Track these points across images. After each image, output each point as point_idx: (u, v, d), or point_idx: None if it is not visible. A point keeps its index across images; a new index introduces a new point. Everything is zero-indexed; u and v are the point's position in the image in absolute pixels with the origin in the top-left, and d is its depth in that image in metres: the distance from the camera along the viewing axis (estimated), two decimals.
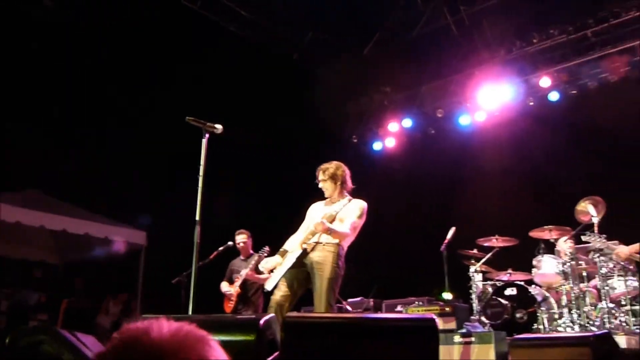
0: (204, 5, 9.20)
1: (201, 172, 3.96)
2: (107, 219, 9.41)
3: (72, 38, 8.44)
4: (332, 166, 4.97)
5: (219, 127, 4.12)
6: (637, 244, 5.22)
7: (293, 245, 4.78)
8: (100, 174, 9.20)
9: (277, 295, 4.56)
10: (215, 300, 7.12)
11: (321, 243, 4.63)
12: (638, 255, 5.51)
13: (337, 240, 4.65)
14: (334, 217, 4.63)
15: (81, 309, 9.93)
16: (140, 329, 1.11)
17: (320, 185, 4.98)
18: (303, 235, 4.77)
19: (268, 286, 4.71)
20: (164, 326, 1.12)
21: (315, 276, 4.52)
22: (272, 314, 2.75)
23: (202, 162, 3.98)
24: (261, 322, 2.61)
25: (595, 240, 5.69)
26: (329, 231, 4.55)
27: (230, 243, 6.93)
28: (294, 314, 2.74)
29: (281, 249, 4.81)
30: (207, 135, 4.04)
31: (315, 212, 4.98)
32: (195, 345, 1.12)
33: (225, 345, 2.62)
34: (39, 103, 8.79)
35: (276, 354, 2.62)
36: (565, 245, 6.52)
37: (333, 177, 4.91)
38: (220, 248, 6.86)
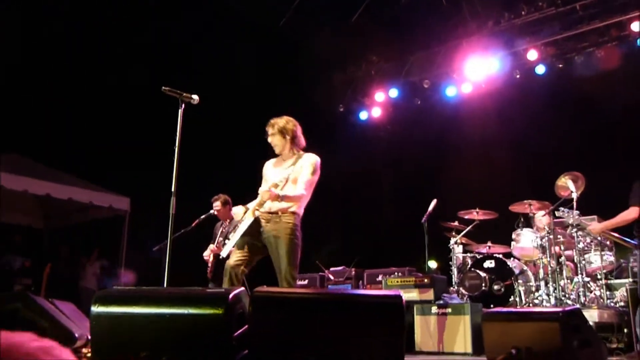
0: None
1: (177, 143, 3.90)
2: (91, 184, 9.38)
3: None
4: (282, 120, 4.65)
5: (195, 97, 4.05)
6: (610, 220, 5.24)
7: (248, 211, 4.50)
8: (86, 139, 9.14)
9: (231, 260, 4.35)
10: (200, 267, 7.12)
11: (276, 214, 4.37)
12: (610, 232, 5.54)
13: (292, 208, 4.39)
14: (277, 184, 4.34)
15: (65, 274, 9.98)
16: None
17: (269, 139, 4.66)
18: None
19: (223, 253, 4.53)
20: None
21: (273, 252, 4.33)
22: (241, 288, 2.77)
23: (178, 132, 3.93)
24: (230, 296, 2.63)
25: (568, 217, 5.75)
26: (280, 198, 4.29)
27: (212, 211, 6.90)
28: (263, 288, 2.76)
29: (245, 206, 4.54)
30: (183, 106, 3.99)
31: (268, 172, 4.72)
32: None
33: (194, 318, 2.66)
34: (25, 69, 8.69)
35: (245, 327, 2.65)
36: (543, 219, 6.59)
37: (282, 131, 4.60)
38: (202, 216, 6.84)
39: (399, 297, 2.55)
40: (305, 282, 8.20)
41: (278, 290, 2.84)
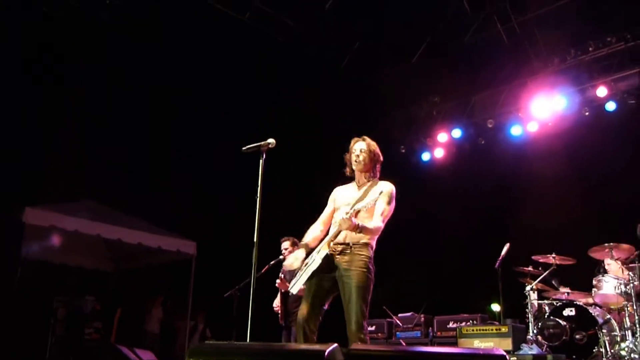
0: (253, 17, 9.24)
1: (259, 193, 3.88)
2: (159, 229, 9.56)
3: (137, 50, 8.73)
4: (373, 143, 4.22)
5: (271, 141, 4.03)
6: None
7: (315, 241, 4.17)
8: (155, 185, 9.38)
9: (303, 310, 3.99)
10: (269, 315, 7.02)
11: (348, 245, 3.99)
12: None
13: (365, 239, 4.01)
14: (359, 210, 3.88)
15: (133, 317, 10.13)
16: None
17: (357, 153, 4.17)
18: (329, 231, 4.13)
19: (293, 290, 4.16)
20: None
21: (344, 285, 3.93)
22: (335, 344, 2.71)
23: (260, 182, 3.90)
24: (326, 352, 2.58)
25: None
26: (358, 229, 3.86)
27: (281, 256, 6.84)
28: (359, 345, 2.70)
29: (302, 242, 4.20)
30: (264, 156, 3.98)
31: (340, 198, 4.27)
32: None
33: None
34: (98, 116, 9.09)
35: None
36: (620, 265, 6.28)
37: (374, 153, 4.18)
38: (272, 262, 6.77)
39: (504, 357, 2.44)
40: (373, 327, 8.04)
41: (375, 348, 2.77)
